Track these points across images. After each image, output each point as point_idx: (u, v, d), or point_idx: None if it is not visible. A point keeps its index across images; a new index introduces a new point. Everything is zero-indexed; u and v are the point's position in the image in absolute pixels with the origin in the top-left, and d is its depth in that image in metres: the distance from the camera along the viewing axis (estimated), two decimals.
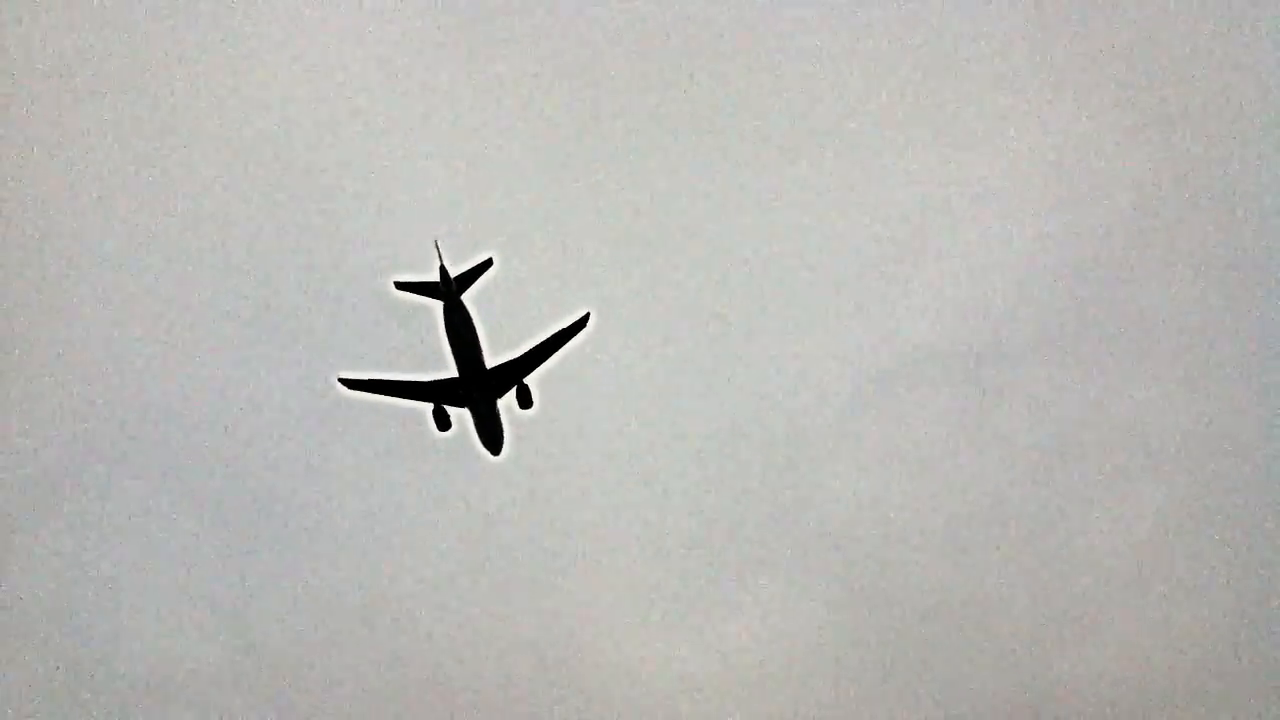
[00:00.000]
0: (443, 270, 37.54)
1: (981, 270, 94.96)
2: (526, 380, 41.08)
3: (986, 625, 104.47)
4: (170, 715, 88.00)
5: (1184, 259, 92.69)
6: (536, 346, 40.91)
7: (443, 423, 41.91)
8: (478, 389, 40.25)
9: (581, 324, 41.09)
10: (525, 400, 41.27)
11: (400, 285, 38.45)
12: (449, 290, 37.95)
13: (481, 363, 39.91)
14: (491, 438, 42.63)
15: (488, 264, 38.30)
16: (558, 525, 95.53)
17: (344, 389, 41.00)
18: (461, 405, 41.00)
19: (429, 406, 41.77)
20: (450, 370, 39.74)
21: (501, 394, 41.61)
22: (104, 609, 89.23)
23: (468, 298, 38.61)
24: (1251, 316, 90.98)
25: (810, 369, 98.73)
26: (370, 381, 41.19)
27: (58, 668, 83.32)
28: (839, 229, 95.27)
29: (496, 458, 43.43)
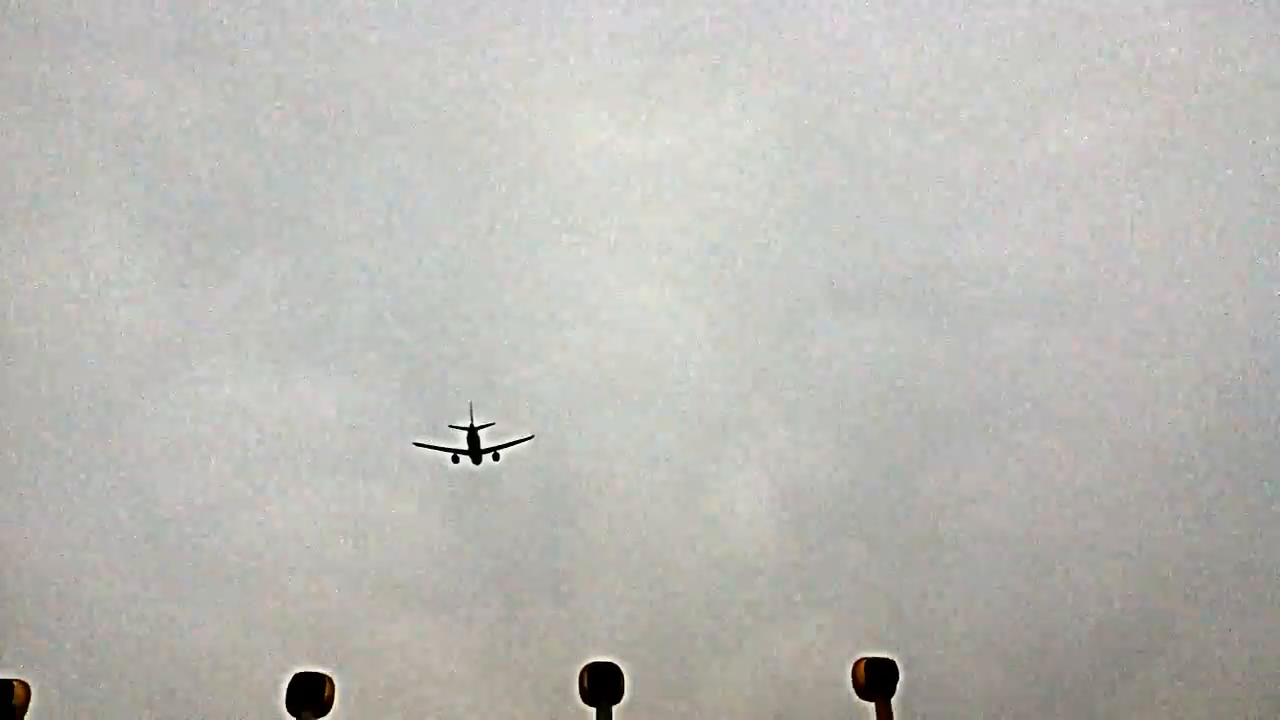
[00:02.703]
0: (471, 425, 74.49)
1: None
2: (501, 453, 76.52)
3: (910, 188, 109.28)
4: None
5: None
6: (507, 443, 75.52)
7: (455, 461, 76.32)
8: (476, 455, 75.71)
9: (529, 438, 76.87)
10: (495, 458, 75.98)
11: (453, 426, 75.05)
12: (473, 429, 74.58)
13: (479, 447, 75.29)
14: (476, 461, 76.00)
15: (490, 423, 75.56)
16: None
17: (414, 447, 77.83)
18: (467, 456, 75.84)
19: (447, 455, 76.74)
20: (463, 446, 75.50)
21: (485, 454, 76.29)
22: None
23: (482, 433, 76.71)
24: None
25: None
26: (428, 445, 76.51)
27: None
28: None
29: (477, 466, 77.26)
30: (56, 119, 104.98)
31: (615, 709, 8.11)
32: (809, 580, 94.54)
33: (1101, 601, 77.09)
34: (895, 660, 8.38)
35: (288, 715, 8.10)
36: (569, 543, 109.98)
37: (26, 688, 7.65)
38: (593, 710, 8.10)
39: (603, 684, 8.10)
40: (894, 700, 8.34)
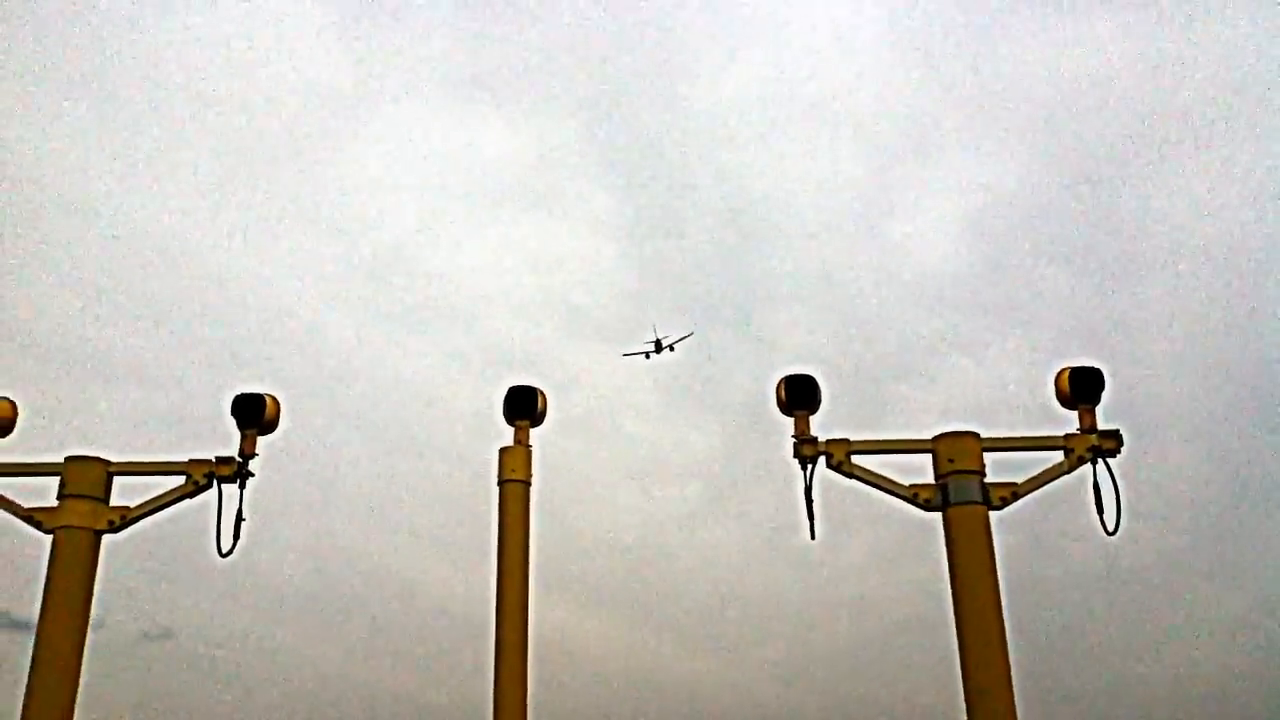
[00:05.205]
0: (657, 339, 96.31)
1: None
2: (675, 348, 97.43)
3: None
4: None
5: None
6: (678, 339, 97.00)
7: (647, 357, 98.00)
8: (659, 350, 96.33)
9: (691, 334, 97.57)
10: (672, 349, 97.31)
11: (645, 342, 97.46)
12: (658, 340, 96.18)
13: (661, 347, 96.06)
14: (659, 353, 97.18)
15: (667, 335, 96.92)
16: None
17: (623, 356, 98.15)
18: (655, 353, 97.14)
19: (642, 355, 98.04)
20: (652, 349, 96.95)
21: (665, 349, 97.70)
22: None
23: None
24: None
25: None
26: (630, 353, 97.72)
27: None
28: None
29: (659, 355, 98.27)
30: None
31: (812, 419, 8.29)
32: (1003, 304, 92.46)
33: None
34: (1101, 368, 8.16)
35: (504, 424, 8.67)
36: (753, 272, 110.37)
37: (277, 401, 8.44)
38: (790, 420, 8.30)
39: (800, 393, 8.23)
40: (1098, 410, 8.17)
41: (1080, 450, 8.02)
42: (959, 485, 7.87)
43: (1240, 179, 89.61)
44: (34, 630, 7.73)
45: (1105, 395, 8.09)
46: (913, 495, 8.02)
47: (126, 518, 8.20)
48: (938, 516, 7.94)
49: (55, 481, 8.21)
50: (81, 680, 7.73)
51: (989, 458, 8.01)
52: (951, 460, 7.94)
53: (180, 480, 8.30)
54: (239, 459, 8.30)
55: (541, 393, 8.61)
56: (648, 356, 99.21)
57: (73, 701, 7.61)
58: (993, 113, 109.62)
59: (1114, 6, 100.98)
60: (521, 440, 8.55)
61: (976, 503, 7.82)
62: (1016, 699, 7.35)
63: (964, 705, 7.43)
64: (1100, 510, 8.00)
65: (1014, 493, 7.95)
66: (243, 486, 8.28)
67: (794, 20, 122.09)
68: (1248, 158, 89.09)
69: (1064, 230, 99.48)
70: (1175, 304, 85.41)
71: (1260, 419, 66.23)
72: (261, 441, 8.44)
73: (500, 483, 8.43)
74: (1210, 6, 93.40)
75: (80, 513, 8.08)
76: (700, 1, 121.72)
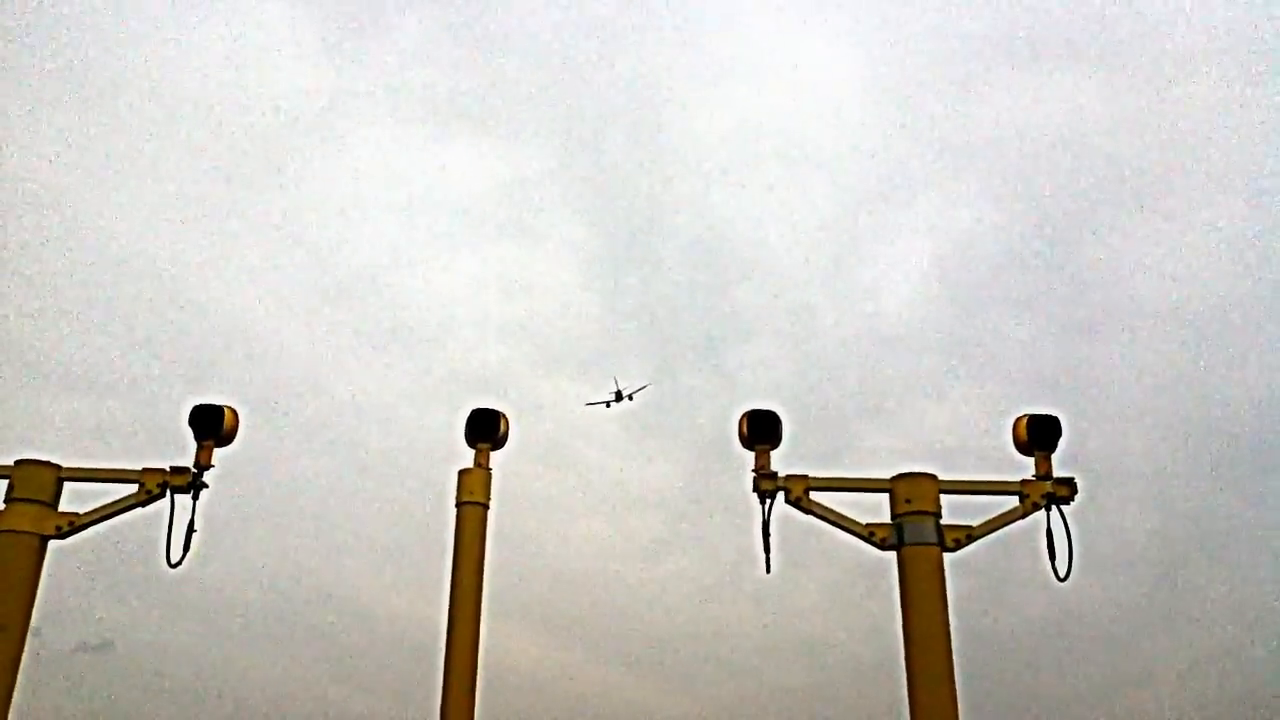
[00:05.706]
0: (617, 389, 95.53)
1: None
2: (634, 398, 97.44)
3: None
4: None
5: None
6: (637, 389, 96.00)
7: (608, 406, 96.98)
8: (620, 399, 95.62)
9: (649, 385, 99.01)
10: (630, 399, 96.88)
11: (609, 392, 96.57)
12: (619, 390, 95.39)
13: (620, 397, 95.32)
14: (619, 402, 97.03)
15: (626, 386, 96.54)
16: None
17: (585, 405, 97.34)
18: (615, 402, 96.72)
19: (603, 405, 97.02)
20: (612, 398, 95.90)
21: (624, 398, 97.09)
22: None
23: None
24: None
25: None
26: (593, 403, 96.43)
27: None
28: None
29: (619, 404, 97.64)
30: None
31: (773, 455, 8.31)
32: (964, 350, 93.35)
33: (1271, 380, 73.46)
34: (1059, 417, 8.25)
35: (466, 447, 8.61)
36: (722, 307, 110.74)
37: (235, 414, 8.34)
38: (750, 455, 8.32)
39: (762, 428, 8.25)
40: (1054, 457, 8.26)
41: (1035, 496, 8.10)
42: (914, 526, 7.92)
43: (1201, 238, 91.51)
44: None
45: (1062, 443, 8.19)
46: (869, 534, 8.05)
47: (75, 524, 8.02)
48: (893, 556, 7.98)
49: (3, 485, 8.05)
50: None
51: (945, 500, 8.07)
52: (908, 501, 7.98)
53: (133, 488, 8.14)
54: (194, 469, 8.18)
55: (504, 416, 8.56)
56: (608, 405, 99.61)
57: (5, 711, 7.43)
58: (963, 161, 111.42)
59: (1086, 65, 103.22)
60: (482, 463, 8.50)
61: (931, 544, 7.86)
62: None
63: None
64: (1053, 556, 8.08)
65: (969, 535, 8.00)
66: (196, 497, 8.14)
67: (770, 61, 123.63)
68: (1209, 217, 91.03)
69: (1028, 279, 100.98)
70: (1134, 356, 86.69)
71: (1214, 471, 67.13)
72: (218, 454, 8.32)
73: (458, 505, 8.37)
74: (1178, 69, 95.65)
75: (27, 517, 7.89)
76: (678, 39, 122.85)
